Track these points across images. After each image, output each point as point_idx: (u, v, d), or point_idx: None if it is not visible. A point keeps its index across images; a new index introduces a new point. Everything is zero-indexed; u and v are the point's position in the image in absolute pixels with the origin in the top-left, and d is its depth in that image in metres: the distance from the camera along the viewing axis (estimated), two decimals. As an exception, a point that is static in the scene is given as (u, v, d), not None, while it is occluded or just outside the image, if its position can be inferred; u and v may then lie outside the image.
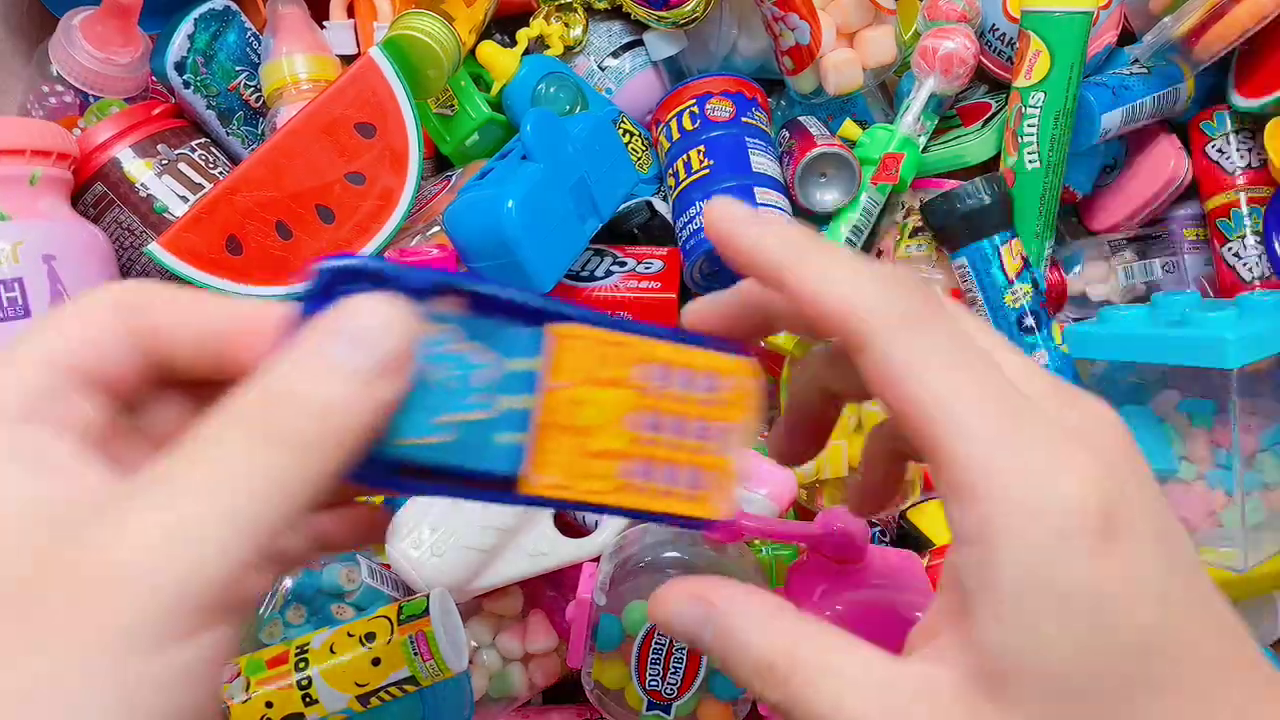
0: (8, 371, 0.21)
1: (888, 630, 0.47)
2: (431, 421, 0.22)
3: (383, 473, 0.22)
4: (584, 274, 0.61)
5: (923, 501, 0.57)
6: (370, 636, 0.46)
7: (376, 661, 0.45)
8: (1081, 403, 0.23)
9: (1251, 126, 0.63)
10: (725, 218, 0.24)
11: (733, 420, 0.25)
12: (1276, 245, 0.61)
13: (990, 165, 0.64)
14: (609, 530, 0.52)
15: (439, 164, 0.66)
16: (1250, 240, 0.63)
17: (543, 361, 0.23)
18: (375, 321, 0.21)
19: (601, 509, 0.24)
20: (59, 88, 0.62)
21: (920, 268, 0.62)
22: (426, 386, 0.22)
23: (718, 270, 0.61)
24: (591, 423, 0.24)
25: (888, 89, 0.68)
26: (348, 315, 0.21)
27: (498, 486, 0.23)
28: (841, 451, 0.56)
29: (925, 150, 0.64)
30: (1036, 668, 0.20)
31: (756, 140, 0.63)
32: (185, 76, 0.60)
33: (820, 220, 0.64)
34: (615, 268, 0.62)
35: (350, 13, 0.63)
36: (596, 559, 0.51)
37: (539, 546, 0.52)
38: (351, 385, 0.20)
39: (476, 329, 0.23)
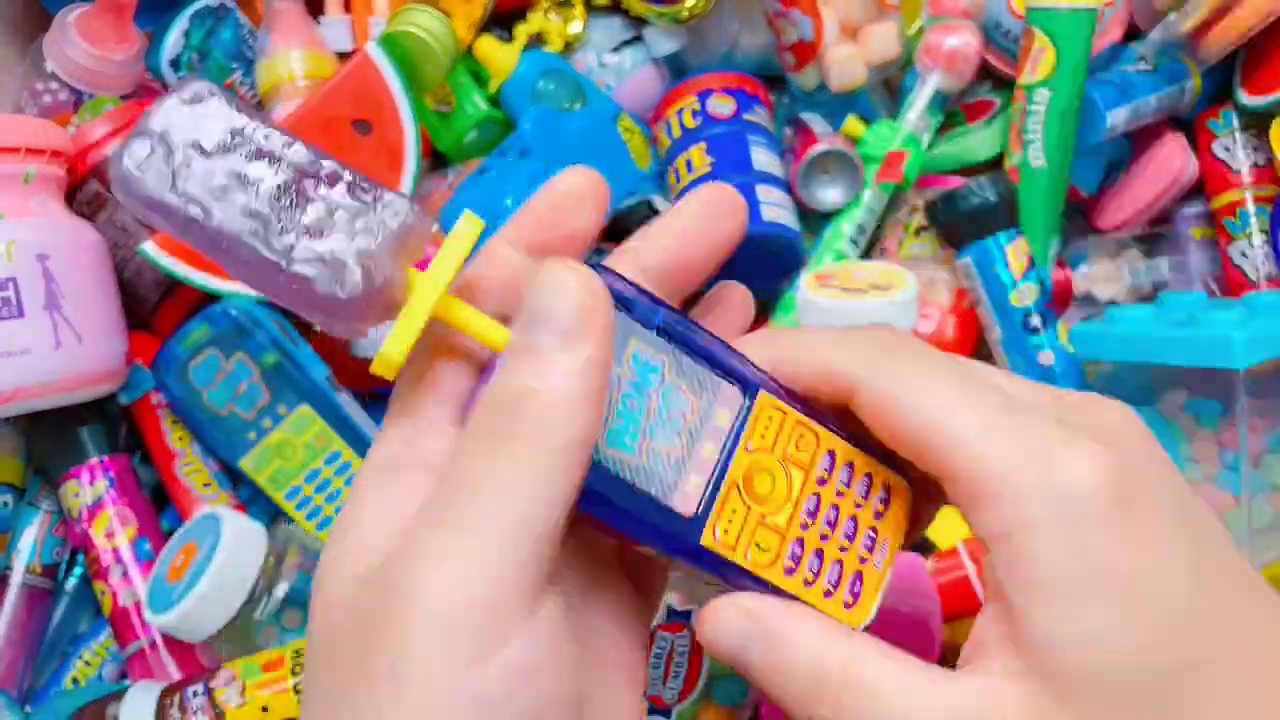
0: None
1: (894, 636, 0.47)
2: (629, 440, 0.23)
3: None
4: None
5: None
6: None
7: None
8: (1091, 404, 0.23)
9: (1258, 124, 0.63)
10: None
11: (890, 536, 0.26)
12: (1284, 244, 0.61)
13: (995, 163, 0.63)
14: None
15: (436, 161, 0.65)
16: (1257, 239, 0.62)
17: (743, 421, 0.25)
18: (569, 301, 0.21)
19: (759, 582, 0.24)
20: (53, 84, 0.62)
21: (924, 267, 0.62)
22: (634, 407, 0.23)
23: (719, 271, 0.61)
24: (770, 495, 0.24)
25: (891, 86, 0.67)
26: (543, 297, 0.21)
27: (673, 527, 0.23)
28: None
29: (930, 148, 0.63)
30: (1091, 658, 0.20)
31: (759, 137, 0.62)
32: (180, 73, 0.60)
33: (823, 218, 0.63)
34: (615, 266, 0.61)
35: (347, 7, 0.63)
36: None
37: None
38: (567, 372, 0.21)
39: (688, 369, 0.24)
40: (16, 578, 0.56)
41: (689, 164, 0.62)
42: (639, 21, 0.64)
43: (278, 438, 0.55)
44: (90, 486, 0.56)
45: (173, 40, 0.59)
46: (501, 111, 0.63)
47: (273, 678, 0.45)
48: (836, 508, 0.25)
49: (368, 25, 0.62)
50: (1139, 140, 0.65)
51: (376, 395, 0.61)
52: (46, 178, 0.54)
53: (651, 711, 0.46)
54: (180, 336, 0.54)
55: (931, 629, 0.46)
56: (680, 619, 0.45)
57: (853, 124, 0.62)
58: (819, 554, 0.25)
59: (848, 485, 0.25)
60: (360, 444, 0.56)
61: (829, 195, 0.62)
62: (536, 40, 0.64)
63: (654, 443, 0.23)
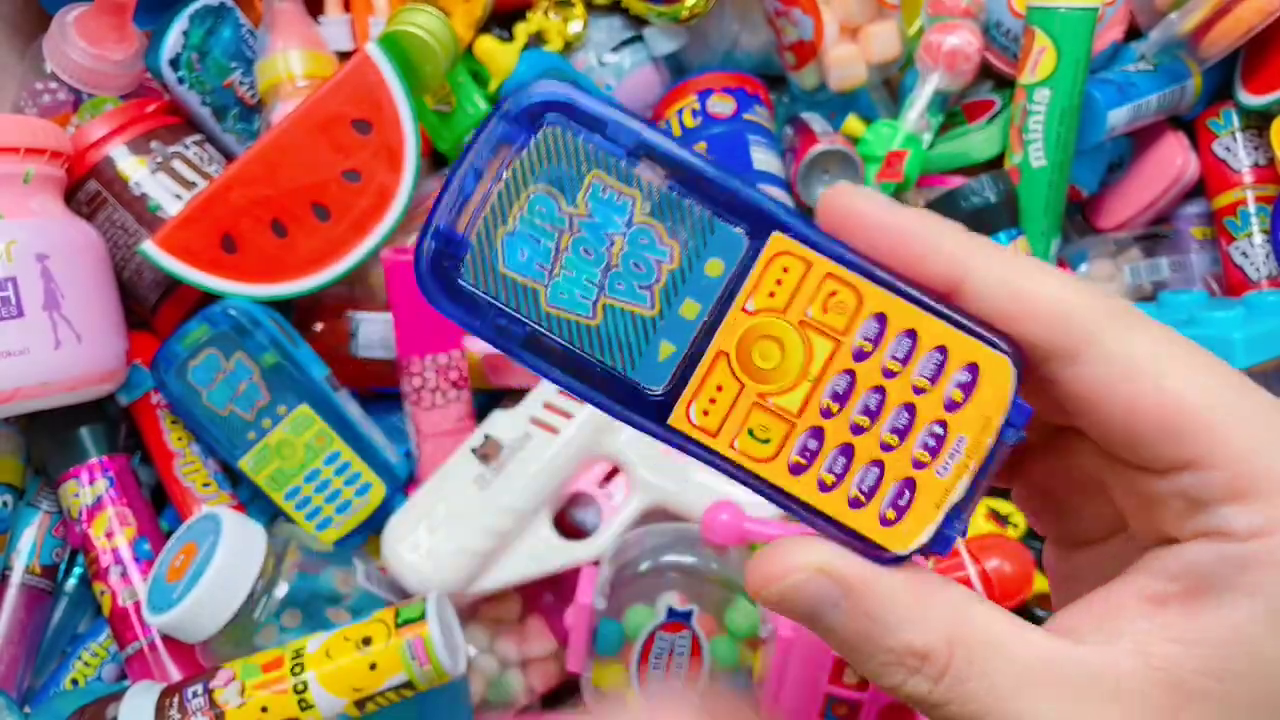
0: None
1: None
2: (581, 296, 0.19)
3: (512, 341, 0.19)
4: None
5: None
6: (367, 641, 0.45)
7: (373, 666, 0.45)
8: None
9: (1259, 124, 0.63)
10: (861, 202, 0.20)
11: (970, 434, 0.19)
12: (1285, 244, 0.61)
13: (996, 163, 0.63)
14: (609, 533, 0.52)
15: (436, 161, 0.65)
16: (1258, 239, 0.62)
17: (744, 273, 0.19)
18: None
19: (751, 481, 0.20)
20: (52, 84, 0.61)
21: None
22: (589, 255, 0.19)
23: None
24: (777, 370, 0.19)
25: (892, 85, 0.67)
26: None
27: (636, 405, 0.19)
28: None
29: (930, 147, 0.63)
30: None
31: (759, 137, 0.62)
32: (179, 73, 0.60)
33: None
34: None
35: (346, 7, 0.63)
36: (596, 562, 0.51)
37: (537, 550, 0.51)
38: None
39: (670, 206, 0.19)
40: (16, 578, 0.56)
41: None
42: (639, 21, 0.64)
43: (277, 438, 0.55)
44: (90, 487, 0.55)
45: (172, 40, 0.59)
46: (501, 111, 0.63)
47: (272, 678, 0.45)
48: (882, 390, 0.19)
49: (367, 25, 0.61)
50: (1139, 140, 0.65)
51: (376, 395, 0.61)
52: (46, 178, 0.54)
53: (651, 712, 0.46)
54: (180, 336, 0.54)
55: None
56: (680, 619, 0.45)
57: (853, 124, 0.62)
58: (847, 450, 0.19)
59: (904, 361, 0.19)
60: (360, 444, 0.56)
61: (829, 195, 0.62)
62: (536, 40, 0.64)
63: (614, 300, 0.19)
